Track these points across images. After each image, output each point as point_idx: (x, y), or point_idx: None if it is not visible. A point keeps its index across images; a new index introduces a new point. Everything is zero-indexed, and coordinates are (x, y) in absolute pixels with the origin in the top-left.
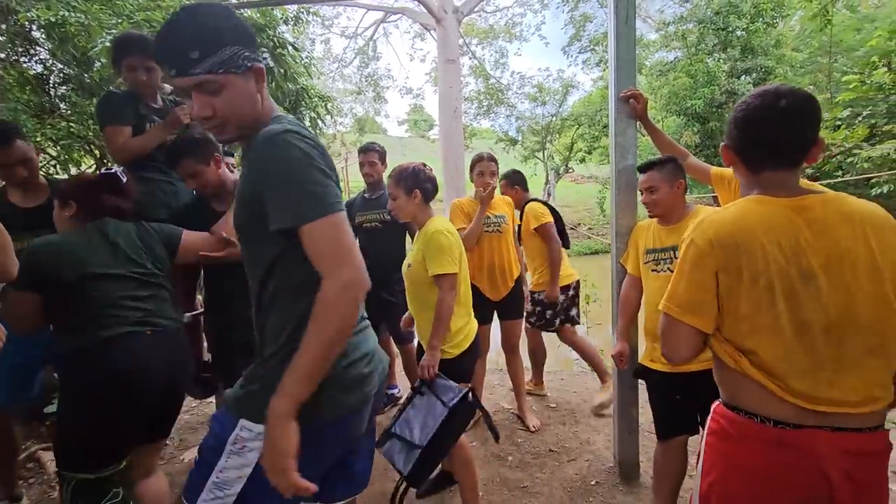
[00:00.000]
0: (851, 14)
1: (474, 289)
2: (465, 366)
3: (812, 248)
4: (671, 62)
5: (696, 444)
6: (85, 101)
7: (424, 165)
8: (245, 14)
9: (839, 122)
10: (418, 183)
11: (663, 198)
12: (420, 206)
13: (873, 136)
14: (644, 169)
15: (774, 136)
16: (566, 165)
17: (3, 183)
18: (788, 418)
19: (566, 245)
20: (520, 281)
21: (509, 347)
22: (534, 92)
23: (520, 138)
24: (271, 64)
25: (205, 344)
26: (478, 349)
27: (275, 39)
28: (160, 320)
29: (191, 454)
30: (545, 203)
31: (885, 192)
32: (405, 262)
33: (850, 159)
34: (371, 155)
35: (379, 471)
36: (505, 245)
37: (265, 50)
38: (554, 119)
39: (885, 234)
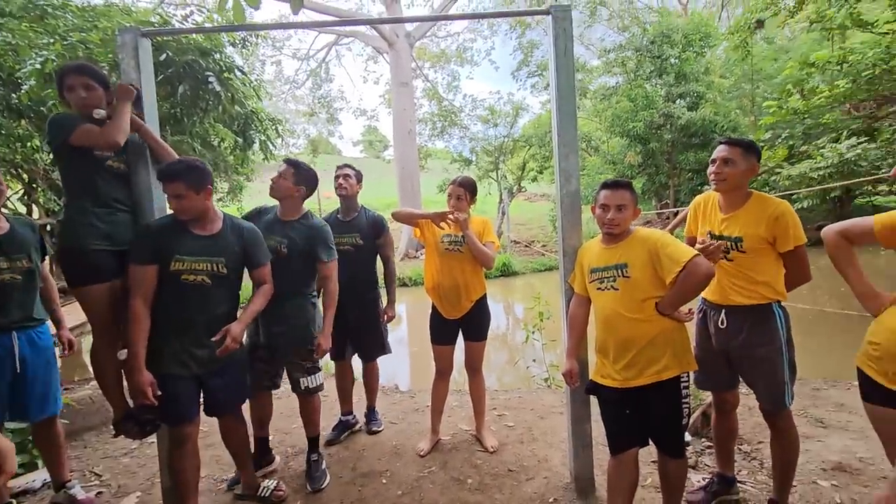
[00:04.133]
0: (769, 45)
1: (434, 309)
2: None
3: None
4: (613, 87)
5: (647, 455)
6: (12, 123)
7: None
8: (189, 37)
9: (762, 144)
10: None
11: (628, 217)
12: None
13: (792, 157)
14: (614, 186)
15: None
16: (519, 185)
17: None
18: None
19: None
20: (483, 301)
21: (472, 368)
22: (485, 114)
23: (474, 159)
24: (217, 88)
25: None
26: None
27: (221, 63)
28: None
29: (130, 501)
30: None
31: (805, 206)
32: None
33: (773, 178)
34: (346, 169)
35: None
36: (465, 264)
37: (211, 73)
38: (506, 140)
39: None
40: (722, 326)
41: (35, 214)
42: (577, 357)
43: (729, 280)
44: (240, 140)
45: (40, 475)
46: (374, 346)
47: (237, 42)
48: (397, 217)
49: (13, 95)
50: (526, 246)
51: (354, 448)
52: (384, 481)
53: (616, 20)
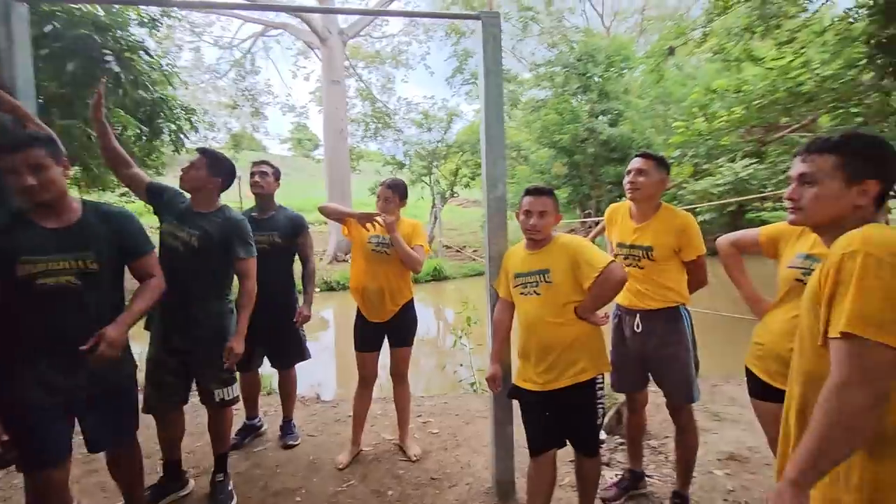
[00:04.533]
0: (679, 71)
1: (358, 312)
2: None
3: None
4: (542, 100)
5: (564, 455)
6: None
7: None
8: (85, 10)
9: (672, 160)
10: None
11: (549, 223)
12: None
13: (697, 174)
14: (537, 193)
15: None
16: (452, 190)
17: None
18: None
19: None
20: (409, 306)
21: (398, 375)
22: (420, 118)
23: (407, 162)
24: (116, 69)
25: None
26: None
27: (123, 42)
28: None
29: None
30: None
31: (707, 219)
32: None
33: (680, 192)
34: (263, 166)
35: None
36: (391, 267)
37: (108, 52)
38: (439, 145)
39: None
40: (637, 330)
41: None
42: (500, 361)
43: (641, 286)
44: (145, 129)
45: None
46: (292, 352)
47: (146, 21)
48: (325, 211)
49: None
50: (457, 251)
51: (267, 465)
52: (298, 499)
53: (546, 36)
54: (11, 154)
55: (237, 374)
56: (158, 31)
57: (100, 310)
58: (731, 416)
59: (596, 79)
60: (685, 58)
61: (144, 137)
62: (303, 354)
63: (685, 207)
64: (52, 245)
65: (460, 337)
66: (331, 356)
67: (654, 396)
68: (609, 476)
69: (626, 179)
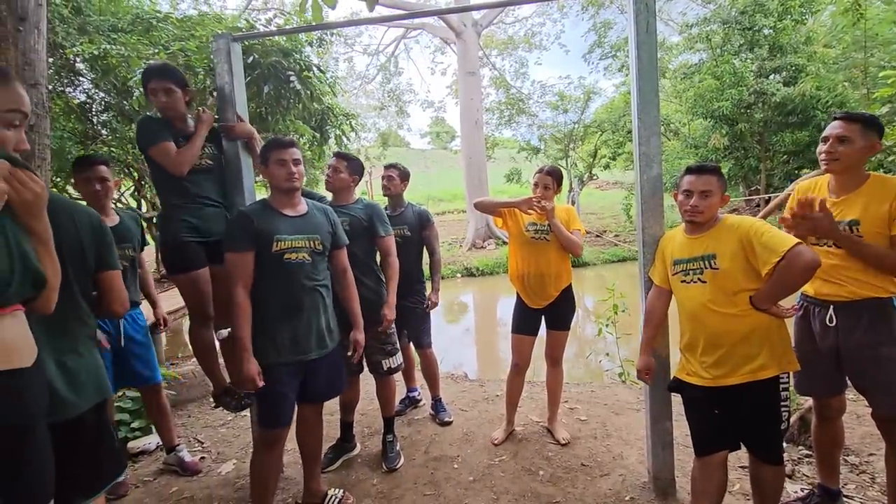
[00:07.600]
0: (887, 6)
1: (518, 298)
2: None
3: None
4: (696, 64)
5: (737, 460)
6: (125, 127)
7: None
8: (272, 40)
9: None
10: None
11: (714, 204)
12: None
13: None
14: (699, 171)
15: None
16: (590, 172)
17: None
18: None
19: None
20: (569, 290)
21: (553, 358)
22: (555, 100)
23: (542, 147)
24: (298, 86)
25: None
26: None
27: (301, 62)
28: None
29: (227, 467)
30: None
31: None
32: None
33: (891, 158)
34: (391, 171)
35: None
36: (551, 253)
37: (291, 73)
38: (576, 126)
39: None
40: (830, 324)
41: (143, 208)
42: (652, 352)
43: (839, 272)
44: (317, 135)
45: (154, 439)
46: (423, 333)
47: (314, 41)
48: (480, 206)
49: (125, 102)
50: (597, 236)
51: (426, 433)
52: (455, 466)
53: None
54: (286, 148)
55: (398, 345)
56: (322, 48)
57: (323, 284)
58: None
59: (766, 31)
60: None
61: (316, 143)
62: (430, 337)
63: None
64: (294, 228)
65: (606, 325)
66: (471, 339)
67: (854, 405)
68: (792, 490)
69: (822, 148)
